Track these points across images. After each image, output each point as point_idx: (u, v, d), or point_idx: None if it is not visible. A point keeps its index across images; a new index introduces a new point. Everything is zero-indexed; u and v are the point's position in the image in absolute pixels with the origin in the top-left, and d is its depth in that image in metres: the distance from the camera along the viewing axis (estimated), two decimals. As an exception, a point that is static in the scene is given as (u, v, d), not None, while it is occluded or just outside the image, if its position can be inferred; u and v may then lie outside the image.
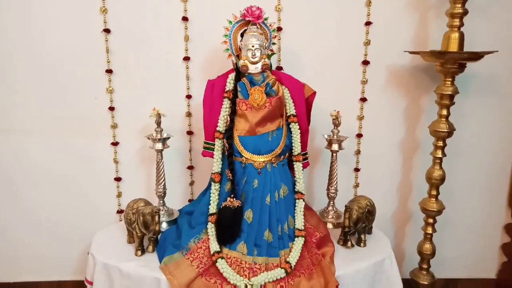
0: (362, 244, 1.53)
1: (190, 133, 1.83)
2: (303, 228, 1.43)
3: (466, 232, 1.97)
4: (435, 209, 1.69)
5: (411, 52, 1.65)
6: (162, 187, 1.65)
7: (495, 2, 1.71)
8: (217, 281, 1.29)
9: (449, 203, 1.84)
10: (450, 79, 1.58)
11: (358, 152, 1.88)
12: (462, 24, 1.54)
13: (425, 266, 1.79)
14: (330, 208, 1.72)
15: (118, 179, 1.86)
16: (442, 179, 1.68)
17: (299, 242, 1.39)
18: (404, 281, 1.81)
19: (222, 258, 1.34)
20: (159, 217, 1.40)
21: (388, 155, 1.89)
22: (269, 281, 1.29)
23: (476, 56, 1.52)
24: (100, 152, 1.84)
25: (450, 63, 1.54)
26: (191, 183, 1.89)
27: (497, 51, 1.51)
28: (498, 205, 1.95)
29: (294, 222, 1.45)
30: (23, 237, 1.91)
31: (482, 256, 2.01)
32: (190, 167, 1.87)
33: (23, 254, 1.93)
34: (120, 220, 1.86)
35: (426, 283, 1.78)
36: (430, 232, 1.74)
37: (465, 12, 1.52)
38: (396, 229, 1.98)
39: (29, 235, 1.91)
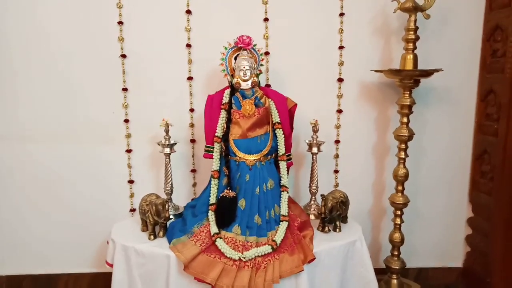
0: (337, 230, 1.81)
1: (193, 141, 2.11)
2: (287, 214, 1.72)
3: (434, 224, 2.24)
4: (401, 202, 1.98)
5: (376, 71, 1.96)
6: (170, 185, 1.95)
7: (443, 27, 2.05)
8: (216, 256, 1.58)
9: (417, 198, 2.14)
10: (408, 92, 1.89)
11: (336, 156, 2.17)
12: (415, 48, 1.86)
13: (396, 253, 2.05)
14: (312, 202, 2.01)
15: (131, 181, 2.15)
16: (406, 176, 1.97)
17: (283, 225, 1.68)
18: (381, 270, 2.10)
19: (220, 238, 1.62)
20: (168, 206, 1.70)
21: (363, 158, 2.17)
22: (258, 255, 1.58)
23: (426, 73, 1.84)
24: (116, 159, 2.11)
25: (406, 79, 1.86)
26: (194, 185, 2.16)
27: (442, 70, 1.83)
28: (461, 200, 2.23)
29: (280, 209, 1.74)
30: (46, 235, 2.14)
31: (449, 246, 2.27)
32: (193, 171, 2.15)
33: (46, 250, 2.17)
34: (132, 216, 2.15)
35: (397, 267, 2.04)
36: (399, 222, 2.02)
37: (417, 38, 1.85)
38: (373, 224, 2.25)
39: (51, 233, 2.15)
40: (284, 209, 1.73)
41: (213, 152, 1.79)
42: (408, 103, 1.89)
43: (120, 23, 1.99)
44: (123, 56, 2.02)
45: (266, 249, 1.59)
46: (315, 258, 1.59)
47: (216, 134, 1.78)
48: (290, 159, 1.90)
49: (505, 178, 1.93)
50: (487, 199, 2.06)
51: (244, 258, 1.56)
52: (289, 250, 1.61)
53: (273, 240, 1.63)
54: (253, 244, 1.62)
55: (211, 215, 1.70)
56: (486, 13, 2.04)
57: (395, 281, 2.06)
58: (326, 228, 1.80)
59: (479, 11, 2.06)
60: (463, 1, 2.04)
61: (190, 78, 2.06)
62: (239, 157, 1.74)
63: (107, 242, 1.85)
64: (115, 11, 1.99)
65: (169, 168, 1.94)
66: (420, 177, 2.17)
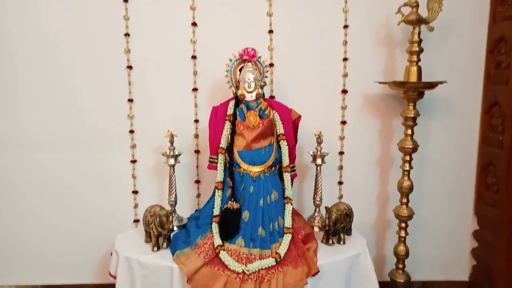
0: (341, 242, 1.80)
1: (197, 152, 2.12)
2: (290, 226, 1.72)
3: (439, 237, 2.21)
4: (406, 215, 1.96)
5: (380, 83, 1.97)
6: (174, 196, 1.95)
7: (447, 39, 2.05)
8: (220, 268, 1.57)
9: (422, 210, 2.12)
10: (412, 104, 1.89)
11: (341, 168, 2.16)
12: (419, 60, 1.87)
13: (400, 266, 2.03)
14: (316, 214, 2.00)
15: (135, 192, 2.15)
16: (411, 188, 1.96)
17: (287, 238, 1.68)
18: (385, 283, 2.08)
19: (224, 250, 1.62)
20: (172, 218, 1.70)
21: (367, 169, 2.16)
22: (262, 268, 1.57)
23: (430, 85, 1.84)
24: (121, 169, 2.12)
25: (411, 91, 1.86)
26: (198, 195, 2.16)
27: (446, 82, 1.83)
28: (466, 213, 2.20)
29: (284, 222, 1.73)
30: (49, 245, 2.15)
31: (455, 259, 2.24)
32: (197, 181, 2.15)
33: (49, 261, 2.17)
34: (136, 227, 2.15)
35: (402, 281, 2.02)
36: (403, 235, 2.00)
37: (421, 50, 1.86)
38: (377, 236, 2.23)
39: (54, 244, 2.15)
40: (288, 221, 1.72)
41: (217, 163, 1.80)
42: (412, 115, 1.89)
43: (127, 35, 2.02)
44: (129, 67, 2.04)
45: (270, 261, 1.59)
46: (319, 271, 1.58)
47: (220, 145, 1.78)
48: (294, 170, 1.90)
49: (510, 190, 1.91)
50: (492, 212, 2.04)
51: (248, 270, 1.55)
52: (293, 263, 1.60)
53: (277, 253, 1.62)
54: (256, 257, 1.61)
55: (215, 227, 1.70)
56: (490, 25, 2.05)
57: (400, 295, 2.04)
58: (330, 241, 1.79)
59: (483, 23, 2.06)
60: (466, 13, 2.05)
61: (195, 90, 2.07)
62: (243, 168, 1.74)
63: (111, 254, 1.84)
64: (122, 23, 2.01)
65: (174, 179, 1.94)
66: (424, 189, 2.15)
